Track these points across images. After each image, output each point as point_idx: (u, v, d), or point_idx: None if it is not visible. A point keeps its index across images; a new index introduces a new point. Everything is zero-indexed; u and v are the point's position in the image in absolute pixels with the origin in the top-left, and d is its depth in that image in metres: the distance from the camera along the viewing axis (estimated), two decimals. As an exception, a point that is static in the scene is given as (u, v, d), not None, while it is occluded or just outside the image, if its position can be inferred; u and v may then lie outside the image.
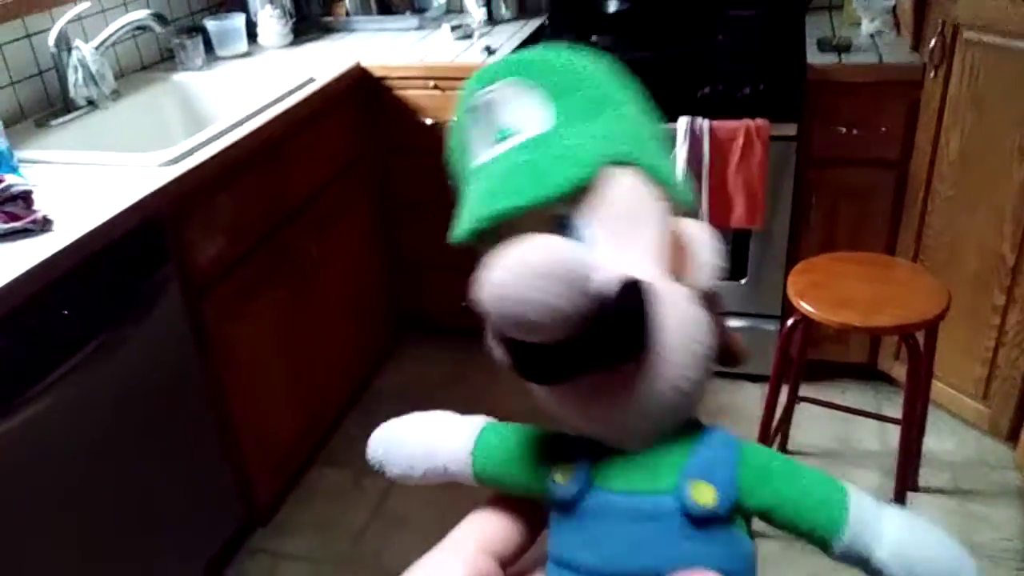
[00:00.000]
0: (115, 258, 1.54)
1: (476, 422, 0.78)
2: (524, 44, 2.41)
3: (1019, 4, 1.79)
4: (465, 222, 0.60)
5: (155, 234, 1.63)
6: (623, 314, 0.57)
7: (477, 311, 0.65)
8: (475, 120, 0.65)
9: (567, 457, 0.67)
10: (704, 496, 0.60)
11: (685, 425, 0.64)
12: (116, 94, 2.14)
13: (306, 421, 2.20)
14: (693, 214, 0.67)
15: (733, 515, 0.61)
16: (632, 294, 0.58)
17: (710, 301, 0.61)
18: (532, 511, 0.69)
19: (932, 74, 1.99)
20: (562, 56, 0.66)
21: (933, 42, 1.96)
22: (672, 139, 2.11)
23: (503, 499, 0.72)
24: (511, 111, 0.60)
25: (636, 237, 0.58)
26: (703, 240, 0.63)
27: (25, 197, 1.47)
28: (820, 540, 0.60)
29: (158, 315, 1.66)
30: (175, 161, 1.72)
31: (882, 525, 0.56)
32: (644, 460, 0.63)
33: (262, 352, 1.98)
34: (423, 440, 0.79)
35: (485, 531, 0.68)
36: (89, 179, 1.66)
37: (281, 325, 2.06)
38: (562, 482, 0.66)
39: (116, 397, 1.57)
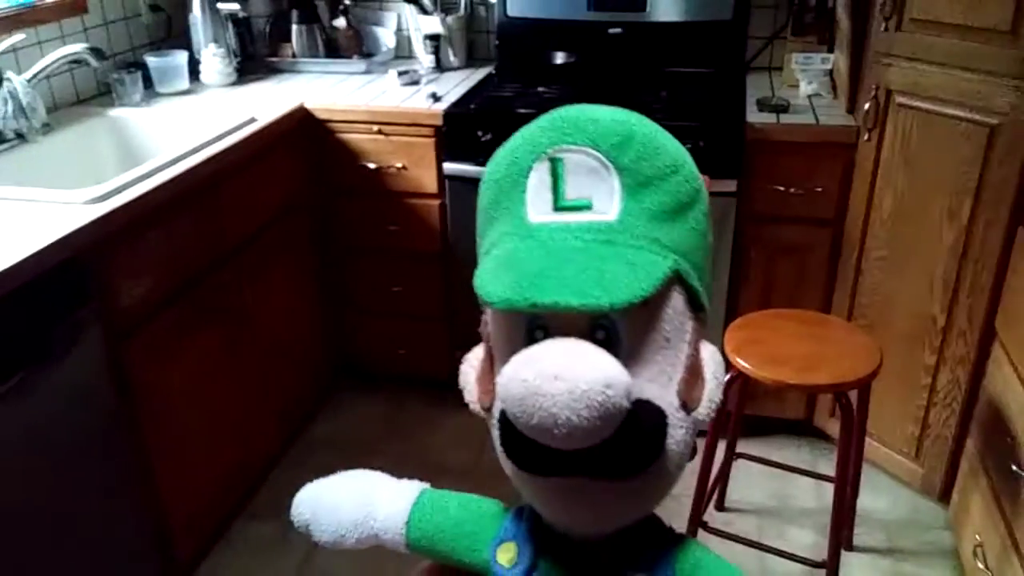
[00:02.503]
0: (33, 298, 1.47)
1: (412, 489, 0.74)
2: (471, 93, 2.42)
3: (950, 72, 1.85)
4: (504, 289, 0.55)
5: (77, 273, 1.57)
6: (642, 438, 0.57)
7: (493, 400, 0.59)
8: (542, 172, 0.60)
9: (512, 536, 0.65)
10: None
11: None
12: (47, 127, 2.08)
13: (233, 471, 2.12)
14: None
15: None
16: (653, 421, 0.57)
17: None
18: None
19: (866, 136, 2.04)
20: (652, 138, 0.62)
21: (867, 105, 2.01)
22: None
23: (437, 569, 0.69)
24: (583, 185, 0.59)
25: (666, 360, 0.59)
26: (713, 372, 0.64)
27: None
28: None
29: (77, 358, 1.59)
30: (103, 198, 1.66)
31: None
32: (592, 551, 0.62)
33: (188, 398, 1.91)
34: (354, 506, 0.74)
35: None
36: (10, 214, 1.60)
37: (210, 371, 1.99)
38: (505, 564, 0.63)
39: (29, 443, 1.49)
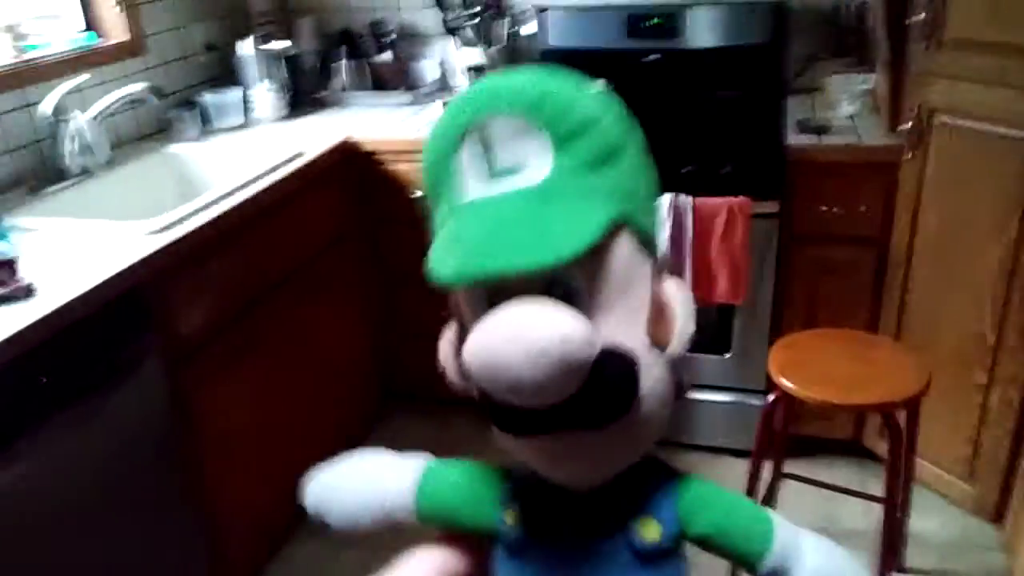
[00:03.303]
0: (97, 326, 1.54)
1: (417, 462, 0.76)
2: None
3: (991, 90, 1.84)
4: (453, 264, 0.55)
5: (139, 302, 1.64)
6: (611, 385, 0.56)
7: (458, 368, 0.61)
8: (471, 145, 0.59)
9: (515, 495, 0.66)
10: (650, 533, 0.61)
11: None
12: (111, 163, 2.19)
13: (286, 492, 2.16)
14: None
15: (676, 545, 0.62)
16: (621, 367, 0.57)
17: (678, 359, 0.63)
18: (478, 545, 0.67)
19: (909, 155, 2.04)
20: (568, 91, 0.61)
21: (909, 125, 2.01)
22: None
23: (449, 535, 0.70)
24: (513, 149, 0.58)
25: (626, 303, 0.58)
26: (680, 305, 0.61)
27: (9, 264, 1.48)
28: (749, 563, 0.62)
29: (138, 383, 1.66)
30: (163, 230, 1.74)
31: (802, 551, 0.60)
32: (593, 500, 0.63)
33: (243, 422, 1.97)
34: (363, 487, 0.76)
35: (433, 565, 0.66)
36: (78, 246, 1.68)
37: (263, 395, 2.05)
38: (512, 523, 0.65)
39: (92, 466, 1.56)
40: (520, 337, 0.51)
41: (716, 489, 0.63)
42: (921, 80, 1.99)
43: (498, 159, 0.59)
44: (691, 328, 0.60)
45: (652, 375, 0.58)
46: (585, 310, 0.56)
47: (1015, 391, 1.96)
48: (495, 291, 0.57)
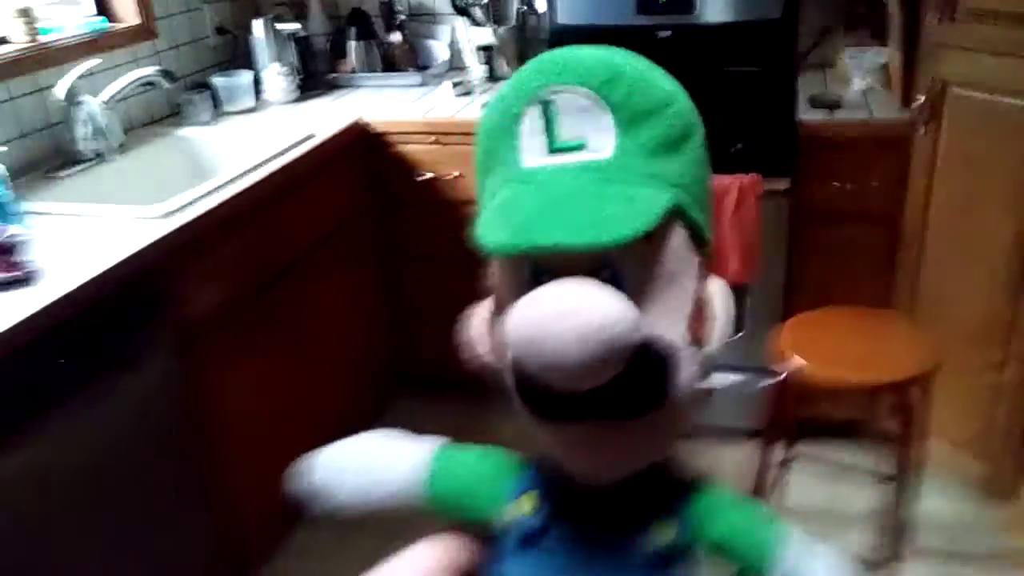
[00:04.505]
0: (108, 308, 1.56)
1: (427, 446, 0.75)
2: (523, 100, 2.45)
3: (1005, 61, 1.81)
4: (504, 233, 0.55)
5: (150, 285, 1.66)
6: (649, 376, 0.56)
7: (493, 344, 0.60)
8: (534, 115, 0.59)
9: (534, 484, 0.66)
10: (665, 534, 0.62)
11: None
12: (123, 147, 2.20)
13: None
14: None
15: (690, 549, 0.62)
16: (660, 359, 0.57)
17: (711, 360, 0.62)
18: (484, 538, 0.67)
19: (922, 130, 2.01)
20: (641, 73, 0.62)
21: (922, 99, 1.98)
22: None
23: (456, 526, 0.70)
24: (576, 125, 0.58)
25: (672, 296, 0.59)
26: (721, 305, 0.62)
27: (13, 249, 1.48)
28: (758, 572, 0.62)
29: (149, 366, 1.68)
30: (173, 213, 1.75)
31: (815, 564, 0.60)
32: (612, 496, 0.63)
33: (253, 405, 1.99)
34: (369, 467, 0.75)
35: (440, 553, 0.66)
36: (90, 230, 1.70)
37: (274, 378, 2.07)
38: (527, 513, 0.65)
39: (103, 449, 1.57)
40: (570, 314, 0.51)
41: (733, 496, 0.63)
42: (935, 53, 1.96)
43: (560, 133, 0.58)
44: (730, 330, 0.61)
45: (687, 371, 0.58)
46: (630, 296, 0.55)
47: (1030, 368, 1.94)
48: (540, 267, 0.57)
